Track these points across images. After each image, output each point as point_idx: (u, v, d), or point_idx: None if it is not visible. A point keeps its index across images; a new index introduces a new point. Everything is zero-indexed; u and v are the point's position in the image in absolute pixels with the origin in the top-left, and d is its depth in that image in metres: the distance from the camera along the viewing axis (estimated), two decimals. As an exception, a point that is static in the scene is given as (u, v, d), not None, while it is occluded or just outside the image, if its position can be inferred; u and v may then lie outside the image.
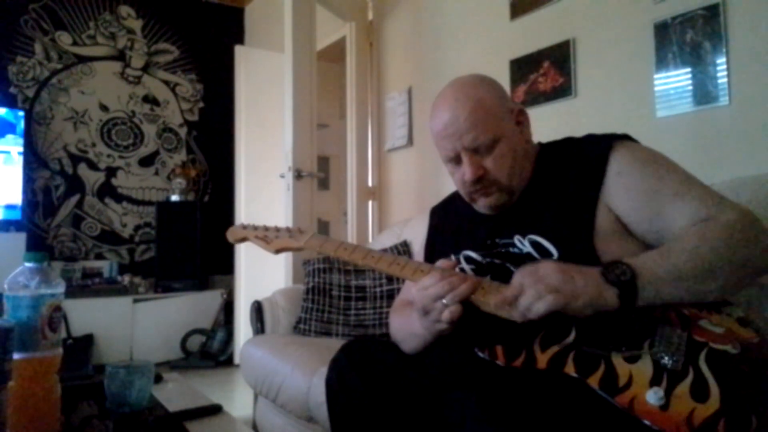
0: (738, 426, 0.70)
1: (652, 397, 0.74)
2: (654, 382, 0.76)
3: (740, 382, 0.75)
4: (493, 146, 1.02)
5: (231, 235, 1.18)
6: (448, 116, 1.03)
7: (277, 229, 1.16)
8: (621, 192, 0.95)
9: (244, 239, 1.16)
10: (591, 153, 1.01)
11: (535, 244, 0.98)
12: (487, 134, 1.01)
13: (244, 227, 1.18)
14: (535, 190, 1.06)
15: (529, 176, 1.08)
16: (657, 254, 0.86)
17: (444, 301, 0.89)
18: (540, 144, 1.14)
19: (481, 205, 1.08)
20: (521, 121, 1.08)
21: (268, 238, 1.13)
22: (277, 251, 1.12)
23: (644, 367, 0.78)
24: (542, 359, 0.83)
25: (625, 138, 1.03)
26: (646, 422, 0.73)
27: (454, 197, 1.20)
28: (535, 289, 0.82)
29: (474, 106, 1.01)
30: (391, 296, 2.08)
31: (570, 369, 0.81)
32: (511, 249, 1.01)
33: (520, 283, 0.84)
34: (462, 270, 1.07)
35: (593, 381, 0.78)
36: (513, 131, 1.05)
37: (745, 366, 0.76)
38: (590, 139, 1.06)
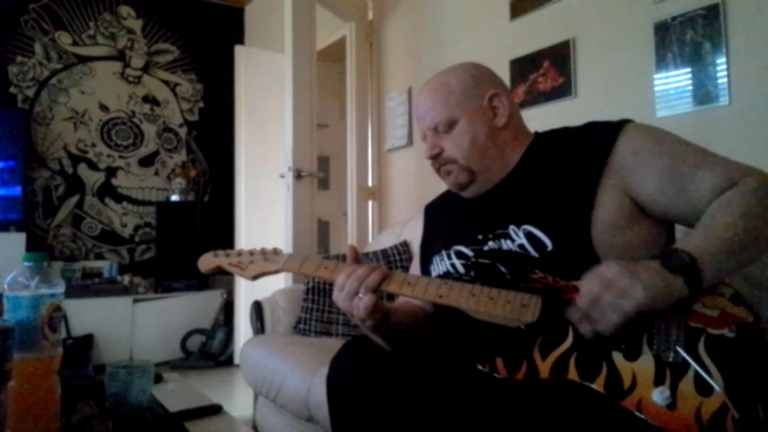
0: (746, 418, 0.70)
1: (659, 397, 0.74)
2: (658, 379, 0.76)
3: (742, 370, 0.74)
4: (451, 127, 1.07)
5: (202, 264, 1.10)
6: (419, 101, 1.13)
7: (251, 253, 1.09)
8: (640, 171, 0.94)
9: (217, 268, 1.09)
10: (595, 138, 1.00)
11: (529, 235, 0.96)
12: (444, 114, 1.07)
13: (216, 255, 1.11)
14: (525, 177, 1.06)
15: (515, 162, 1.08)
16: (702, 234, 0.84)
17: (360, 295, 0.92)
18: (536, 133, 1.14)
19: (448, 184, 1.13)
20: (496, 106, 1.09)
21: (242, 264, 1.07)
22: (255, 277, 1.06)
23: (646, 364, 0.78)
24: (544, 368, 0.82)
25: (631, 121, 1.01)
26: (656, 424, 0.72)
27: (449, 192, 1.21)
28: (602, 302, 0.78)
29: (435, 90, 1.10)
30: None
31: (573, 375, 0.80)
32: (503, 241, 1.00)
33: (593, 294, 0.79)
34: (452, 266, 1.07)
35: (598, 385, 0.78)
36: (477, 114, 1.07)
37: (744, 350, 0.76)
38: (593, 125, 1.05)
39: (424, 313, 1.14)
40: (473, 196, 1.11)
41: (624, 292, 0.77)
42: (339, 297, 0.95)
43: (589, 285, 0.80)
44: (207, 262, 1.11)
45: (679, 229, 1.06)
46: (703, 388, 0.74)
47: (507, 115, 1.09)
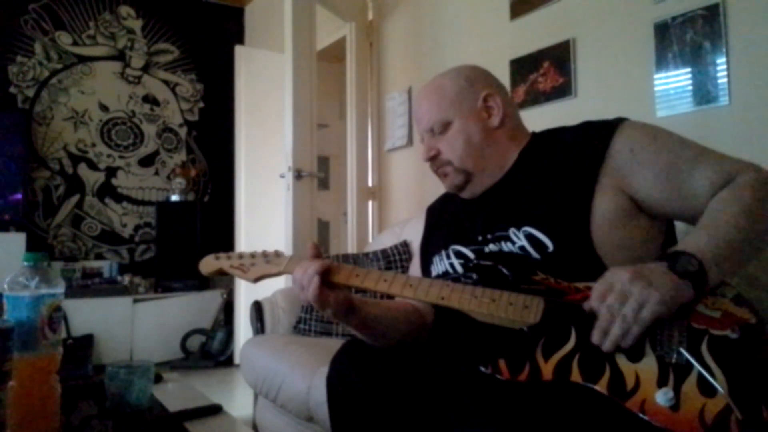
0: (750, 419, 0.70)
1: (662, 398, 0.74)
2: (661, 380, 0.76)
3: (745, 371, 0.74)
4: (446, 128, 1.09)
5: (204, 267, 1.10)
6: (416, 105, 1.16)
7: (253, 256, 1.10)
8: (637, 169, 0.94)
9: (219, 270, 1.09)
10: (592, 137, 1.00)
11: (529, 237, 0.96)
12: (438, 116, 1.09)
13: (217, 257, 1.11)
14: (523, 177, 1.06)
15: (511, 162, 1.09)
16: (704, 234, 0.84)
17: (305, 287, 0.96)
18: (533, 133, 1.14)
19: (446, 185, 1.14)
20: (490, 107, 1.10)
21: (244, 266, 1.08)
22: (256, 280, 1.07)
23: (649, 366, 0.77)
24: (547, 369, 0.81)
25: (626, 119, 1.02)
26: (659, 426, 0.72)
27: (449, 194, 1.21)
28: (621, 316, 0.77)
29: (430, 92, 1.12)
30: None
31: (576, 376, 0.80)
32: (503, 244, 1.00)
33: (613, 310, 0.78)
34: (451, 266, 1.07)
35: (601, 387, 0.78)
36: (471, 115, 1.08)
37: (747, 351, 0.76)
38: (588, 125, 1.05)
39: (417, 312, 1.14)
40: (471, 196, 1.12)
41: (642, 304, 0.77)
42: (297, 291, 0.99)
43: (608, 301, 0.79)
44: (208, 264, 1.11)
45: (679, 226, 1.06)
46: (706, 389, 0.73)
47: (501, 115, 1.09)
